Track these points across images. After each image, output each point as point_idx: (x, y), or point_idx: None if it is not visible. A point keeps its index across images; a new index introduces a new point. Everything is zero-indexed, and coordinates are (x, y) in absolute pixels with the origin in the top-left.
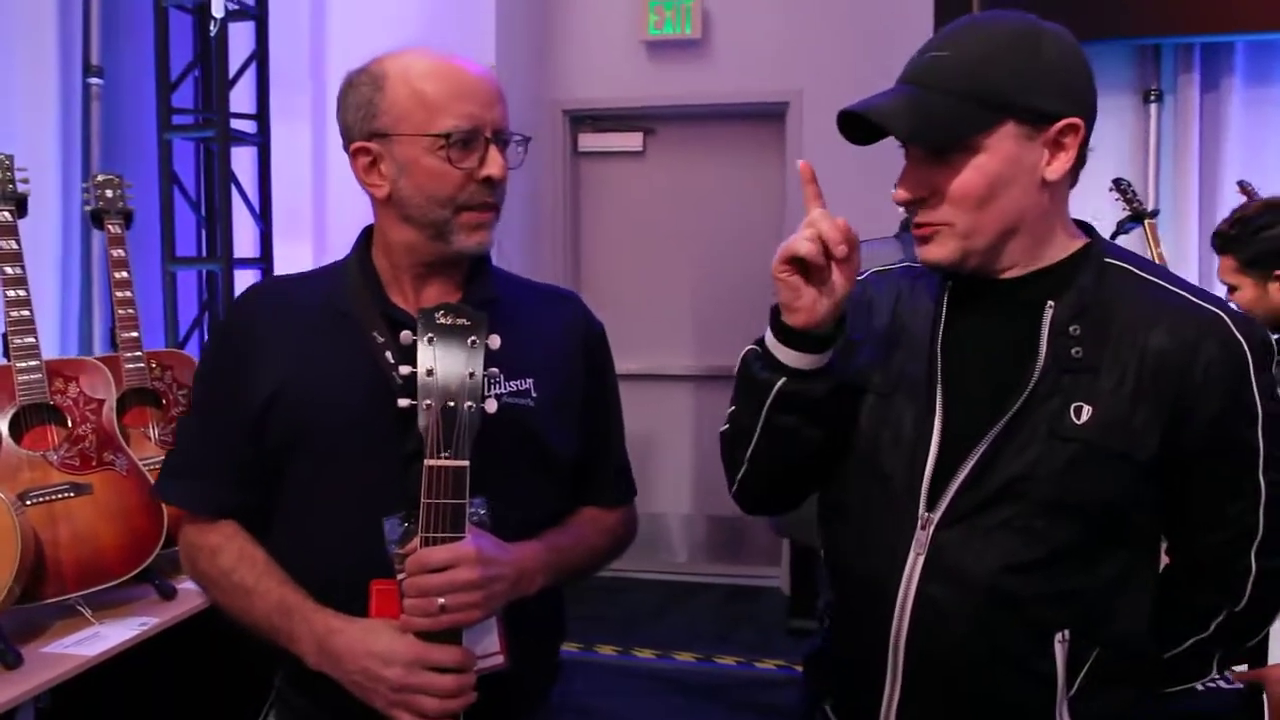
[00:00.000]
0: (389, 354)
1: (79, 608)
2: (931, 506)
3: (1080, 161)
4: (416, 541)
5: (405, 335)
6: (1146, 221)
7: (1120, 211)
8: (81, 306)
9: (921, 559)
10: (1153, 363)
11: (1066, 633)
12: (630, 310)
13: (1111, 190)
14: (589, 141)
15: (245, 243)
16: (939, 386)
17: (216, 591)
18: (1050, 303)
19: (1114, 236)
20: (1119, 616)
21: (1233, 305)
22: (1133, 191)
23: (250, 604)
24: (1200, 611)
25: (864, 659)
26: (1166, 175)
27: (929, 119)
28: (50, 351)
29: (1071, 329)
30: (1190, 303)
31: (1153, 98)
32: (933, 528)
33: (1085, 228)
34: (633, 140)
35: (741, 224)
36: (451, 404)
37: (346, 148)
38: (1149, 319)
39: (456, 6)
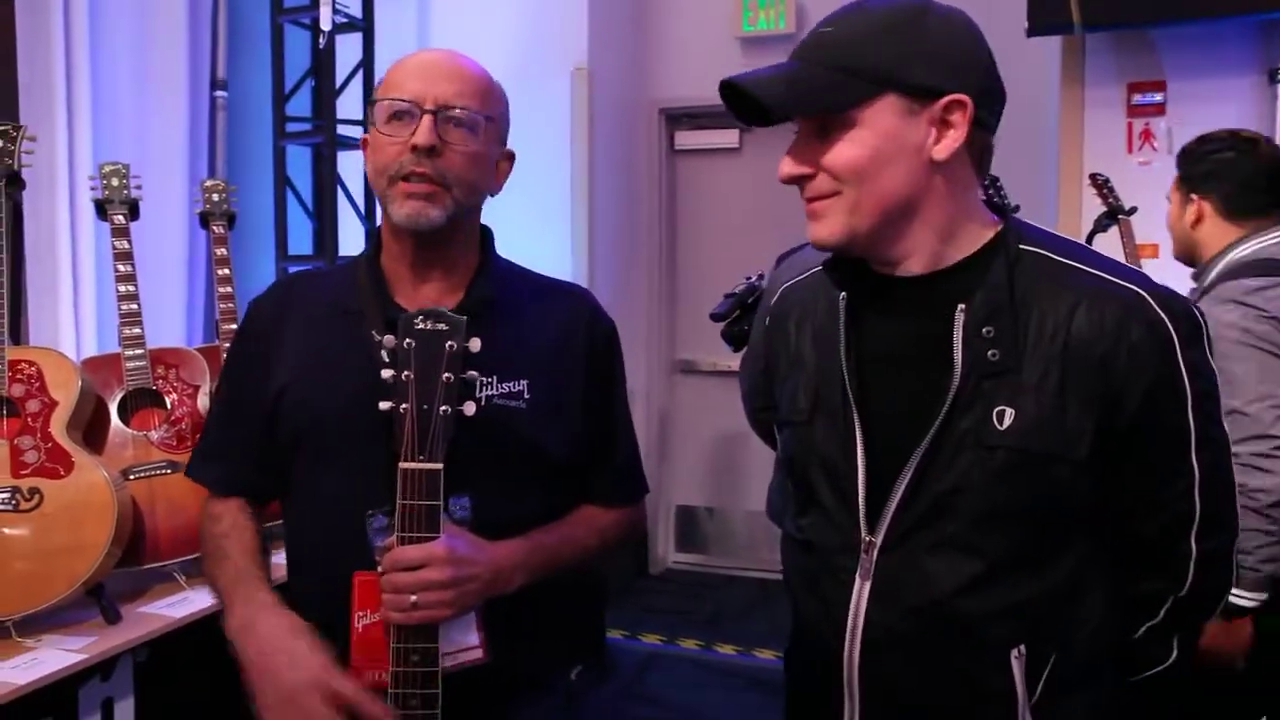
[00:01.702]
0: (383, 354)
1: (174, 574)
2: (872, 529)
3: (985, 148)
4: (394, 539)
5: (388, 339)
6: None
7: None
8: (206, 300)
9: (868, 585)
10: (1076, 353)
11: (1022, 648)
12: None
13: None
14: (685, 139)
15: (353, 240)
16: (853, 408)
17: (204, 555)
18: (961, 306)
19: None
20: (1073, 619)
21: (1154, 280)
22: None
23: (220, 569)
24: (1147, 599)
25: (822, 685)
26: None
27: (803, 91)
28: (175, 341)
29: (985, 330)
30: (1109, 283)
31: (1279, 77)
32: (875, 551)
33: (1000, 213)
34: (729, 137)
35: None
36: (425, 407)
37: None
38: (1068, 306)
39: (552, 11)
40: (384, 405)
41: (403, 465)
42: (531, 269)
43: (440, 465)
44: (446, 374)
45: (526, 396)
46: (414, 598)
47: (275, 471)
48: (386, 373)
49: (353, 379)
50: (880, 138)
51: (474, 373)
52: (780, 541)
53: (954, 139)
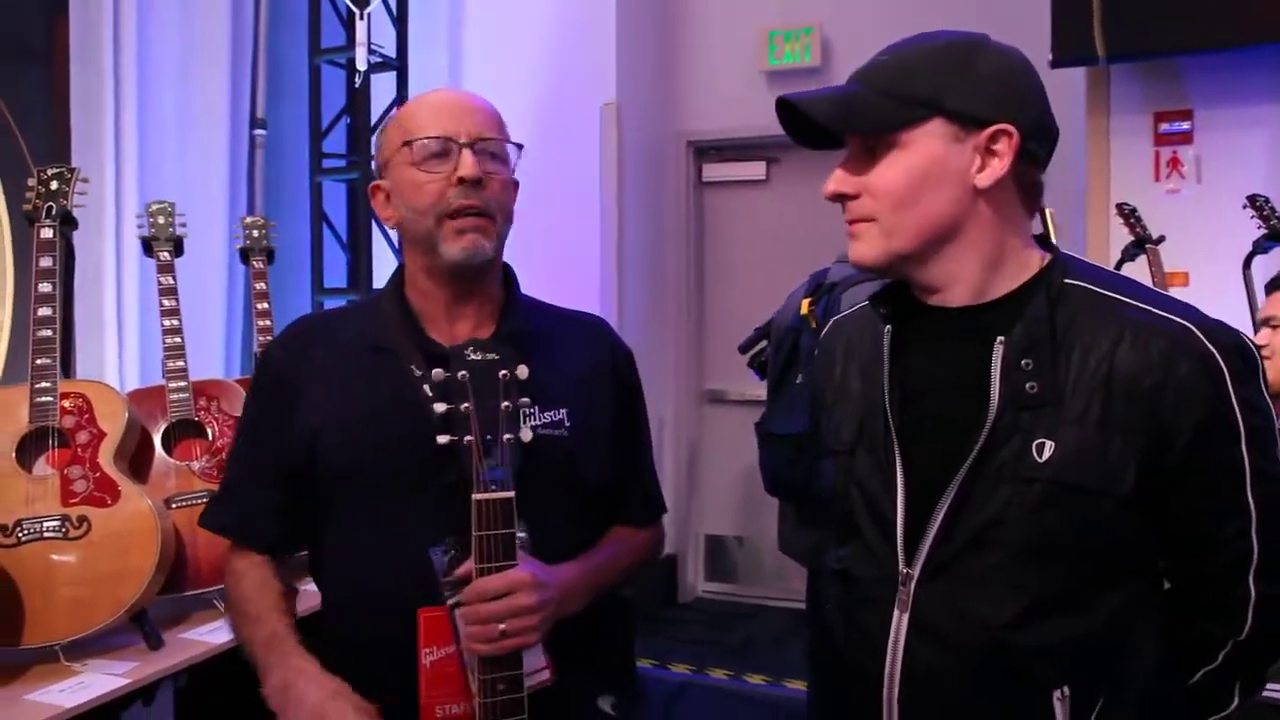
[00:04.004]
0: (427, 389)
1: (214, 601)
2: (910, 561)
3: (1034, 183)
4: (468, 569)
5: (437, 372)
6: None
7: (1256, 230)
8: (244, 333)
9: (906, 617)
10: (1120, 386)
11: (1066, 689)
12: None
13: (1246, 207)
14: (713, 171)
15: (387, 274)
16: (894, 440)
17: (233, 613)
18: (1000, 339)
19: (1251, 257)
20: (1122, 660)
21: (1203, 312)
22: (1270, 208)
23: (251, 631)
24: (1204, 642)
25: (861, 717)
26: None
27: (852, 111)
28: (215, 373)
29: (1024, 363)
30: (1155, 316)
31: None
32: (913, 584)
33: (1048, 247)
34: (756, 169)
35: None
36: (489, 437)
37: None
38: (1111, 339)
39: (581, 47)
40: (443, 439)
41: (476, 497)
42: (548, 301)
43: (512, 494)
44: (505, 402)
45: (567, 424)
46: (503, 626)
47: (297, 521)
48: (440, 406)
49: (396, 416)
50: (924, 160)
51: (526, 399)
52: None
53: (998, 168)
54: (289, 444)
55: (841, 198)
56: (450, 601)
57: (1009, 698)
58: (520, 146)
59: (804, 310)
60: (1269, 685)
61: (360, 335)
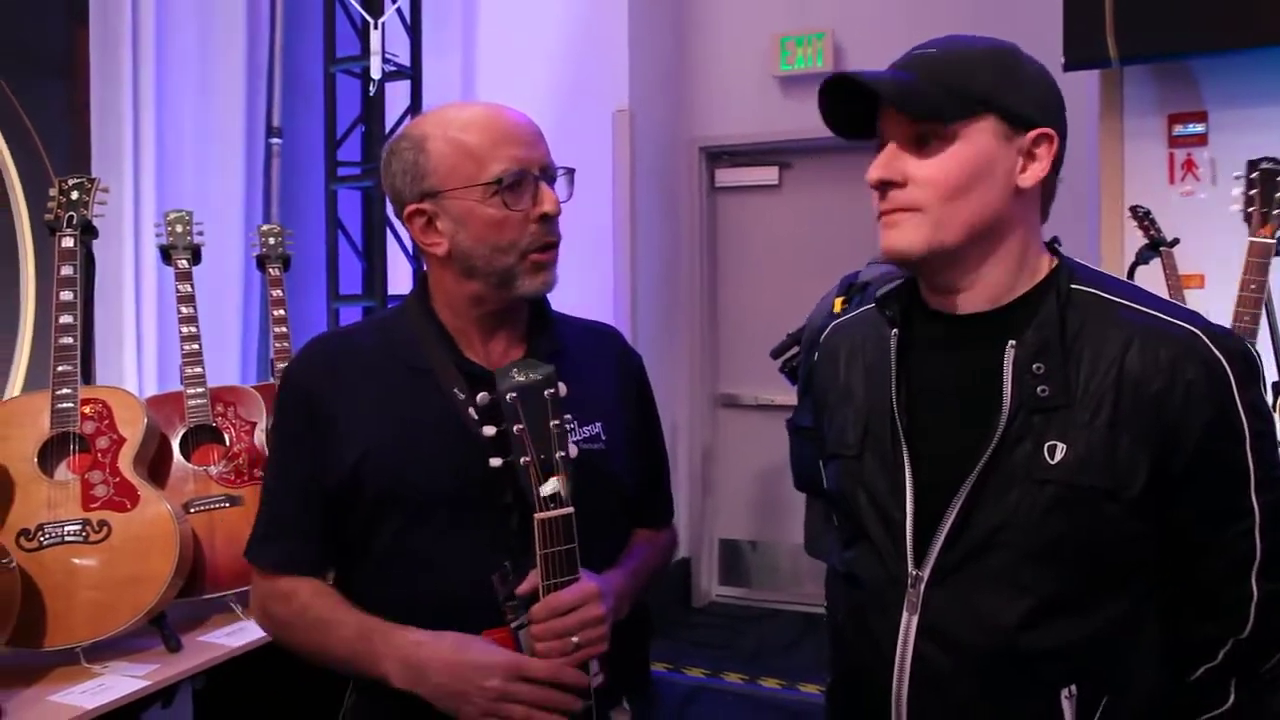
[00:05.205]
0: (472, 411)
1: (231, 605)
2: (919, 564)
3: (1051, 189)
4: (532, 586)
5: (483, 396)
6: None
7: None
8: (260, 339)
9: (915, 620)
10: (1129, 391)
11: (1073, 688)
12: (767, 344)
13: None
14: (725, 177)
15: (402, 280)
16: (903, 443)
17: (291, 632)
18: (1011, 343)
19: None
20: (1126, 659)
21: (1208, 319)
22: None
23: (327, 635)
24: (1206, 641)
25: (869, 719)
26: None
27: (915, 94)
28: (231, 379)
29: (1035, 367)
30: (1163, 322)
31: None
32: (923, 586)
33: (1055, 251)
34: (768, 174)
35: (877, 255)
36: (544, 456)
37: (399, 214)
38: (1120, 344)
39: (593, 54)
40: (495, 461)
41: (539, 516)
42: (564, 309)
43: (572, 510)
44: (554, 421)
45: (603, 438)
46: (576, 639)
47: (340, 548)
48: (489, 429)
49: (442, 439)
50: (978, 155)
51: (569, 416)
52: (825, 575)
53: (1040, 169)
54: (329, 469)
55: (886, 185)
56: (514, 624)
57: (1017, 698)
58: (572, 171)
59: (837, 309)
60: None
61: (395, 356)
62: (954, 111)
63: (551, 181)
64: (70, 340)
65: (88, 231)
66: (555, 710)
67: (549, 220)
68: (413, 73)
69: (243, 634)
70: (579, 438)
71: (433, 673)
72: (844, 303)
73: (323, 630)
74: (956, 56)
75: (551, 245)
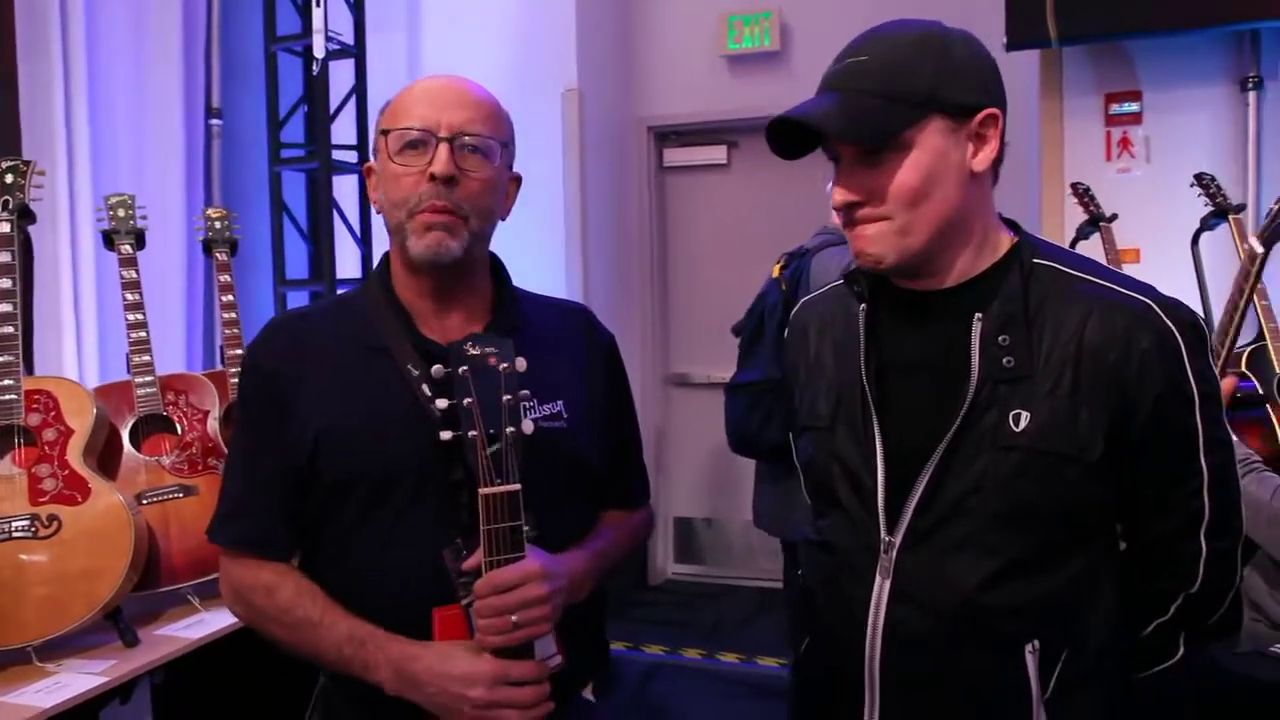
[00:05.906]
0: (425, 387)
1: (189, 597)
2: (891, 530)
3: (1001, 161)
4: (476, 562)
5: (437, 369)
6: (1231, 217)
7: (1203, 207)
8: (205, 326)
9: (888, 583)
10: (1088, 360)
11: (1036, 643)
12: (718, 322)
13: (1193, 185)
14: (674, 156)
15: (349, 264)
16: (873, 414)
17: (276, 627)
18: (978, 315)
19: (1198, 234)
20: (1084, 615)
21: (1159, 290)
22: (1216, 186)
23: (317, 637)
24: (1159, 596)
25: (842, 682)
26: (1270, 168)
27: (860, 118)
28: (176, 366)
29: (1001, 339)
30: (1118, 294)
31: (1251, 85)
32: (895, 551)
33: (1013, 226)
34: (717, 154)
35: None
36: (493, 431)
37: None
38: (1080, 316)
39: (541, 34)
40: (445, 435)
41: (483, 491)
42: (529, 289)
43: (519, 486)
44: (506, 396)
45: (565, 416)
46: (514, 618)
47: (302, 526)
48: (442, 403)
49: (397, 416)
50: (932, 157)
51: (525, 392)
52: (791, 549)
53: (991, 150)
54: (290, 450)
55: (852, 206)
56: (465, 601)
57: (984, 655)
58: (506, 143)
59: (775, 274)
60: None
61: (353, 335)
62: (901, 122)
63: (474, 151)
64: (10, 330)
65: (24, 216)
66: (546, 701)
67: (438, 182)
68: (357, 51)
69: (201, 626)
70: (537, 415)
71: (424, 684)
72: (783, 267)
73: (311, 631)
74: (890, 59)
75: (439, 209)
